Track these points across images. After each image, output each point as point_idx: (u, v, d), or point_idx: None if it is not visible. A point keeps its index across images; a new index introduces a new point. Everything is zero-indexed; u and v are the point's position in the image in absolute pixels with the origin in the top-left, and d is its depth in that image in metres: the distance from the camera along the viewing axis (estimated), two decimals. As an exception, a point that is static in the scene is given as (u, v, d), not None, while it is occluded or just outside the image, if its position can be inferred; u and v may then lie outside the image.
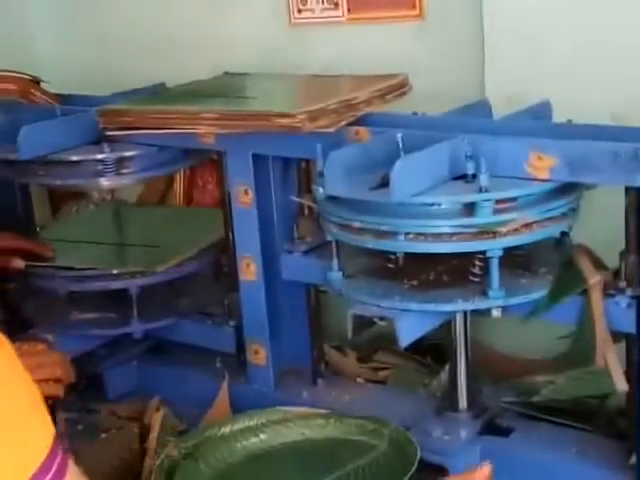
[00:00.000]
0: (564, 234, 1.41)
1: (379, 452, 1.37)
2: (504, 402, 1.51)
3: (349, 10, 1.92)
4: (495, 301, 1.31)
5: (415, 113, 1.54)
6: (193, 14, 2.14)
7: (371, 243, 1.33)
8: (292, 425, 1.45)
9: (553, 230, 1.34)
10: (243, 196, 1.59)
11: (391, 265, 1.41)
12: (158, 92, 1.84)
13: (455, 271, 1.39)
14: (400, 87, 1.59)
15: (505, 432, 1.45)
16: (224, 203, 1.68)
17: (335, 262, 1.42)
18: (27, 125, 1.61)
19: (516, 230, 1.28)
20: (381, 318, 1.32)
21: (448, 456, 1.37)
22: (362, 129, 1.46)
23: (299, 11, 1.99)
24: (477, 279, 1.36)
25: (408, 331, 1.31)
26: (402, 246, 1.32)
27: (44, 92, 1.87)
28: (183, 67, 2.02)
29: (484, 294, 1.32)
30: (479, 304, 1.32)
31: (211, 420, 1.56)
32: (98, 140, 1.68)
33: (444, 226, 1.29)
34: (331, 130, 1.46)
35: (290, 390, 1.63)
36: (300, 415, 1.47)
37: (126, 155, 1.66)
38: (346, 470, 1.33)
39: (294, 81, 1.81)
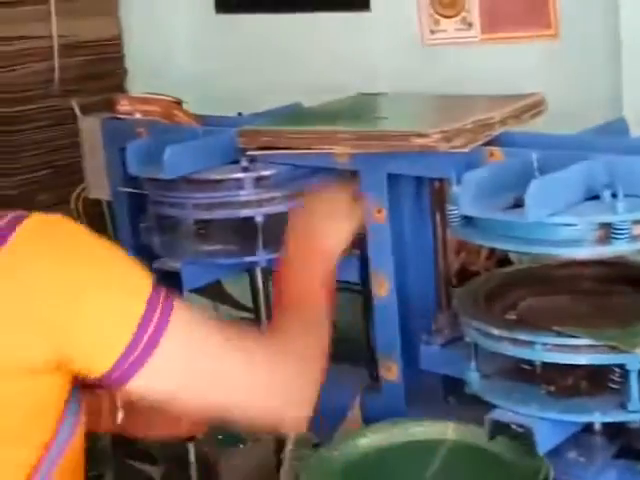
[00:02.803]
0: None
1: (508, 465, 1.36)
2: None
3: (483, 30, 1.93)
4: (634, 415, 1.33)
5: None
6: (328, 36, 2.19)
7: (509, 351, 1.38)
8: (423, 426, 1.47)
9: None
10: (376, 215, 1.62)
11: (528, 367, 1.42)
12: (294, 112, 1.89)
13: (594, 376, 1.39)
14: (536, 107, 1.59)
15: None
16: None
17: (473, 363, 1.45)
18: (171, 145, 1.68)
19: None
20: (519, 425, 1.34)
21: (583, 479, 1.36)
22: (497, 150, 1.46)
23: (432, 32, 2.01)
24: (616, 386, 1.37)
25: (546, 439, 1.34)
26: (540, 356, 1.36)
27: (186, 113, 1.94)
28: (318, 87, 2.06)
29: (622, 406, 1.33)
30: (617, 416, 1.34)
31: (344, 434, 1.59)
32: (237, 160, 1.74)
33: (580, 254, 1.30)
34: (465, 150, 1.47)
35: (421, 407, 1.64)
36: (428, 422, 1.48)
37: (263, 174, 1.71)
38: None
39: (428, 101, 1.83)
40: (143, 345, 0.99)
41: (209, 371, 1.06)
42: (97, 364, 0.99)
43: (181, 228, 1.80)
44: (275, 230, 1.70)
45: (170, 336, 1.01)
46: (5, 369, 0.96)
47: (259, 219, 1.72)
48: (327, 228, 1.34)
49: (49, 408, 1.02)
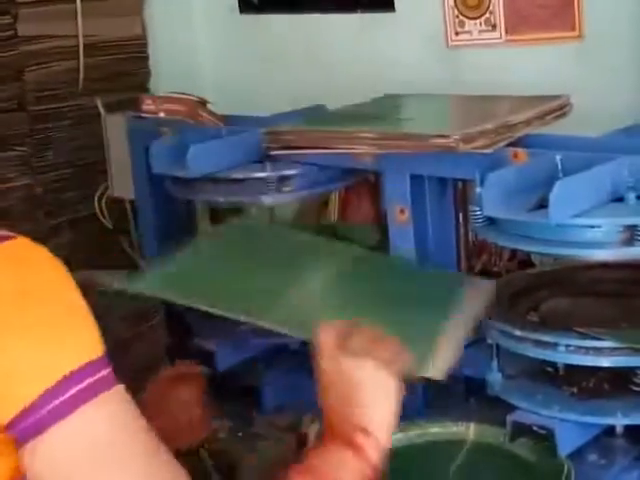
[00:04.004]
0: None
1: (529, 467, 1.36)
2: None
3: (507, 32, 1.93)
4: (657, 417, 1.33)
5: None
6: (353, 37, 2.19)
7: (532, 352, 1.39)
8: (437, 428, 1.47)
9: None
10: (399, 215, 1.62)
11: (551, 369, 1.43)
12: (318, 113, 1.90)
13: (616, 378, 1.39)
14: (560, 108, 1.59)
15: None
16: (380, 221, 1.71)
17: (495, 364, 1.46)
18: (195, 144, 1.69)
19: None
20: (540, 427, 1.34)
21: (603, 481, 1.36)
22: (520, 151, 1.46)
23: (456, 33, 2.01)
24: (639, 388, 1.37)
25: (567, 441, 1.34)
26: (562, 357, 1.37)
27: (210, 113, 1.95)
28: (342, 87, 2.07)
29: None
30: (639, 419, 1.34)
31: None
32: (260, 159, 1.74)
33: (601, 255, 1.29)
34: (488, 151, 1.47)
35: (442, 407, 1.64)
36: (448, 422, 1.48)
37: (287, 174, 1.72)
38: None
39: (453, 102, 1.83)
40: (54, 405, 0.88)
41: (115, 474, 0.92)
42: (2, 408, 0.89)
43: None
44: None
45: (87, 413, 0.89)
46: None
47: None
48: (366, 404, 1.07)
49: None
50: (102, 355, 0.93)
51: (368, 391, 1.06)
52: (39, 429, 0.88)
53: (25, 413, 0.88)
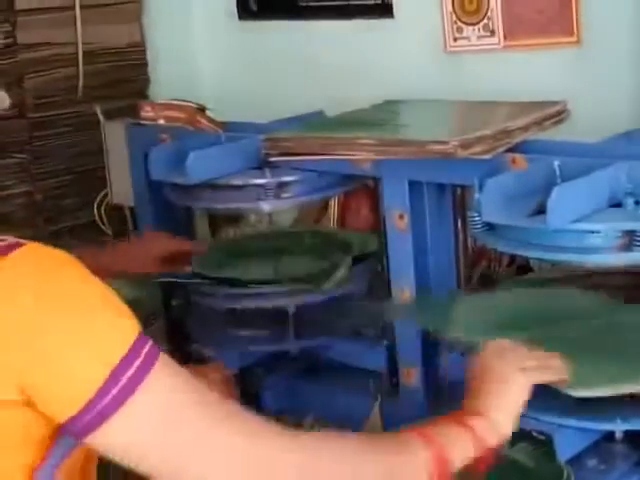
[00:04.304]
0: None
1: (529, 472, 1.36)
2: None
3: (505, 37, 1.94)
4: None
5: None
6: (351, 43, 2.20)
7: None
8: None
9: None
10: (398, 221, 1.62)
11: None
12: (317, 119, 1.90)
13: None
14: (558, 114, 1.59)
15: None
16: (379, 227, 1.71)
17: None
18: (194, 151, 1.69)
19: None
20: (539, 432, 1.34)
21: (603, 486, 1.36)
22: (519, 157, 1.46)
23: (455, 39, 2.02)
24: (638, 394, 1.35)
25: (566, 446, 1.34)
26: None
27: (209, 119, 1.95)
28: (342, 94, 2.07)
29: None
30: (639, 424, 1.34)
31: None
32: (259, 166, 1.75)
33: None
34: (486, 157, 1.47)
35: (441, 412, 1.63)
36: None
37: (286, 180, 1.72)
38: None
39: (451, 108, 1.84)
40: (113, 395, 0.94)
41: (191, 437, 0.97)
42: (59, 410, 0.95)
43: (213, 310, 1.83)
44: (306, 317, 1.77)
45: (147, 390, 0.95)
46: None
47: (290, 309, 1.75)
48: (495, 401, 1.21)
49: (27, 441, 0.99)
50: (141, 330, 0.98)
51: (497, 384, 1.21)
52: (108, 414, 0.94)
53: (90, 404, 0.93)
